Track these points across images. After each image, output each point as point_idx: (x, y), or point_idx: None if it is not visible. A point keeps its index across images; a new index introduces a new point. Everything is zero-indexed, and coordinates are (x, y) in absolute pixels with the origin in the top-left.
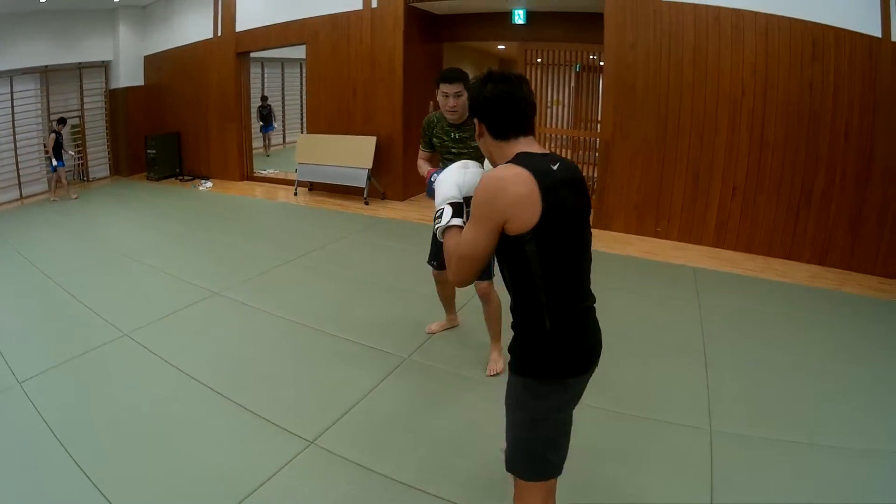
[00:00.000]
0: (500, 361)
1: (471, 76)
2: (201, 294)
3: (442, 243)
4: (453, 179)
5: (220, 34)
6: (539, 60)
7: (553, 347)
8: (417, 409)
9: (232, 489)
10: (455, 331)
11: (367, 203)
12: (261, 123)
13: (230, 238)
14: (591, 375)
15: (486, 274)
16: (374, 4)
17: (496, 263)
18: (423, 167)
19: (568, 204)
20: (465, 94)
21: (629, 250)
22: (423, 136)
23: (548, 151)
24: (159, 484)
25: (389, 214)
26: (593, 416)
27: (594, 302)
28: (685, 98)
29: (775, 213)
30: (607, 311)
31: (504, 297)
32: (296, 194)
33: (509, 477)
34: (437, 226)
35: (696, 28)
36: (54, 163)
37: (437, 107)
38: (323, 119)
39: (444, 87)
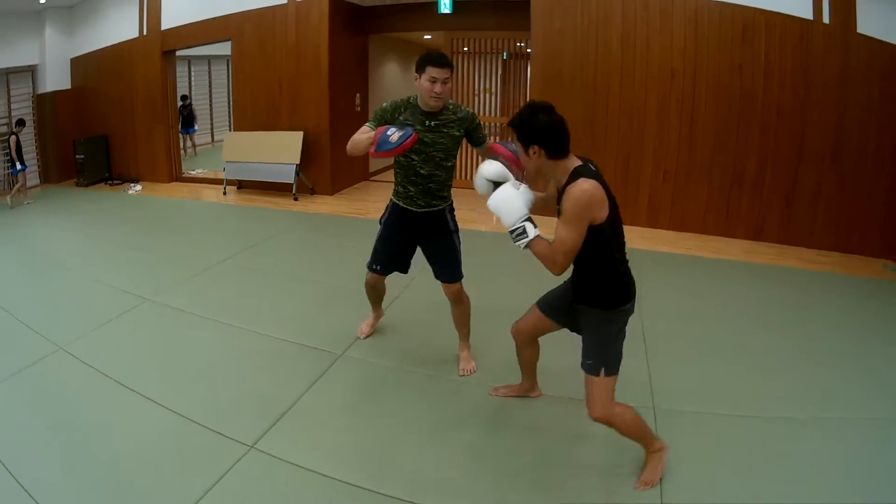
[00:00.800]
0: (472, 360)
1: (396, 67)
2: (134, 301)
3: (394, 251)
4: (521, 200)
5: (145, 33)
6: (466, 49)
7: (625, 282)
8: (355, 407)
9: (178, 499)
10: (387, 327)
11: (296, 199)
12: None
13: (161, 241)
14: (634, 305)
15: (458, 275)
16: None
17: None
18: (355, 137)
19: (611, 194)
20: (450, 83)
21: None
22: (381, 117)
23: (581, 158)
24: (103, 498)
25: (319, 209)
26: (542, 402)
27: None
28: (613, 84)
29: (708, 192)
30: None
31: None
32: (225, 193)
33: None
34: (522, 240)
35: (624, 14)
36: (18, 166)
37: (363, 99)
38: (250, 116)
39: (432, 72)
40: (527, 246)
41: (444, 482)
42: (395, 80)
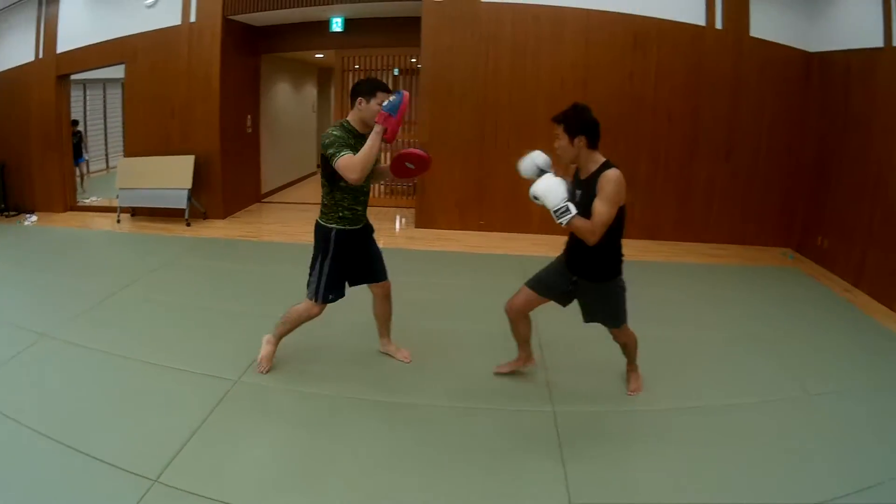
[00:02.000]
0: (402, 348)
1: (287, 87)
2: (30, 338)
3: (351, 274)
4: (563, 186)
5: (41, 56)
6: (357, 67)
7: (621, 257)
8: (255, 432)
9: None
10: (282, 348)
11: (188, 224)
12: None
13: (55, 274)
14: None
15: (384, 274)
16: (193, 19)
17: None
18: (362, 154)
19: None
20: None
21: (453, 246)
22: (346, 143)
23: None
24: None
25: (212, 234)
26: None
27: None
28: (503, 97)
29: None
30: (440, 308)
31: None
32: (119, 221)
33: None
34: (566, 217)
35: (515, 28)
36: None
37: (255, 121)
38: (142, 141)
39: (382, 97)
40: (569, 222)
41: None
42: (286, 100)
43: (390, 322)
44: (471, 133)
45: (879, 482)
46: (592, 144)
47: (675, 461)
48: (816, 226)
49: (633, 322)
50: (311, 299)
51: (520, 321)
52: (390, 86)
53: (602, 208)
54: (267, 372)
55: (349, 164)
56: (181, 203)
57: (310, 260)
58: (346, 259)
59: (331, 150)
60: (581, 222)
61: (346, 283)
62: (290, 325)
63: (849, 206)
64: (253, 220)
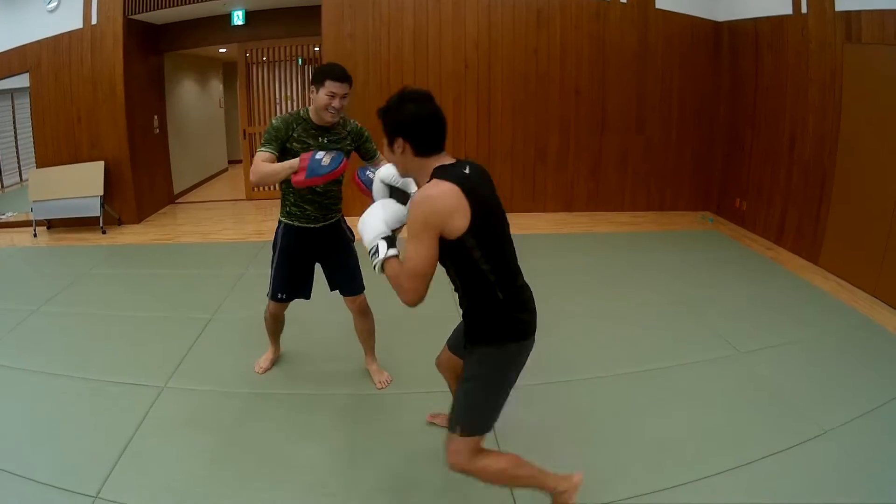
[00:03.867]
0: (384, 371)
1: (193, 84)
2: None
3: (296, 274)
4: (380, 217)
5: None
6: (265, 59)
7: (507, 313)
8: (187, 438)
9: None
10: (207, 349)
11: (104, 232)
12: None
13: None
14: (532, 343)
15: (361, 286)
16: (94, 21)
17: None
18: (268, 167)
19: (489, 201)
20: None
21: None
22: (275, 138)
23: (456, 160)
24: None
25: (128, 240)
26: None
27: (523, 279)
28: (407, 80)
29: (512, 173)
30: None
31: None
32: (35, 235)
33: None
34: (375, 261)
35: (416, 12)
36: None
37: (161, 120)
38: (52, 150)
39: (331, 86)
40: (381, 269)
41: None
42: (193, 97)
43: (372, 339)
44: (374, 120)
45: (822, 431)
46: (422, 152)
47: (621, 426)
48: (734, 189)
49: (560, 294)
50: (266, 296)
51: (450, 378)
52: (298, 77)
53: (408, 251)
54: (262, 372)
55: (255, 164)
56: (95, 211)
57: None
58: (294, 257)
59: (262, 140)
60: (390, 270)
61: (304, 285)
62: (266, 326)
63: (765, 168)
64: (167, 223)
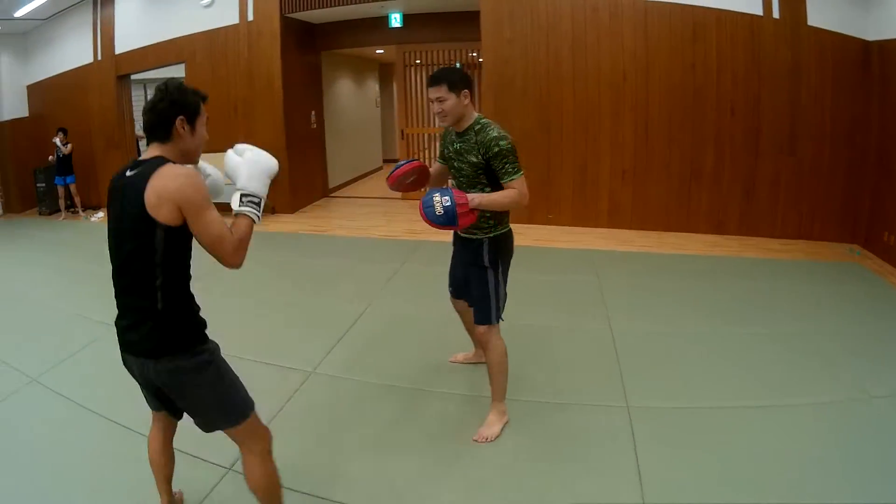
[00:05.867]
0: (493, 424)
1: (350, 83)
2: (103, 329)
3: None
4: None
5: (99, 58)
6: (419, 61)
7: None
8: (325, 423)
9: None
10: (359, 340)
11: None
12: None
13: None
14: (135, 360)
15: (485, 317)
16: (251, 17)
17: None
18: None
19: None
20: (454, 99)
21: (520, 240)
22: (441, 145)
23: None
24: None
25: (281, 228)
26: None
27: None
28: (566, 89)
29: (667, 190)
30: (507, 301)
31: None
32: None
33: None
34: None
35: (574, 20)
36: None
37: (318, 117)
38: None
39: (429, 92)
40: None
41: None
42: (349, 96)
43: (492, 382)
44: (535, 126)
45: None
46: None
47: (732, 460)
48: (882, 221)
49: (693, 318)
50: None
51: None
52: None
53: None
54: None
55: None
56: None
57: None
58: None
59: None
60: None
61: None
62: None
63: None
64: (321, 215)
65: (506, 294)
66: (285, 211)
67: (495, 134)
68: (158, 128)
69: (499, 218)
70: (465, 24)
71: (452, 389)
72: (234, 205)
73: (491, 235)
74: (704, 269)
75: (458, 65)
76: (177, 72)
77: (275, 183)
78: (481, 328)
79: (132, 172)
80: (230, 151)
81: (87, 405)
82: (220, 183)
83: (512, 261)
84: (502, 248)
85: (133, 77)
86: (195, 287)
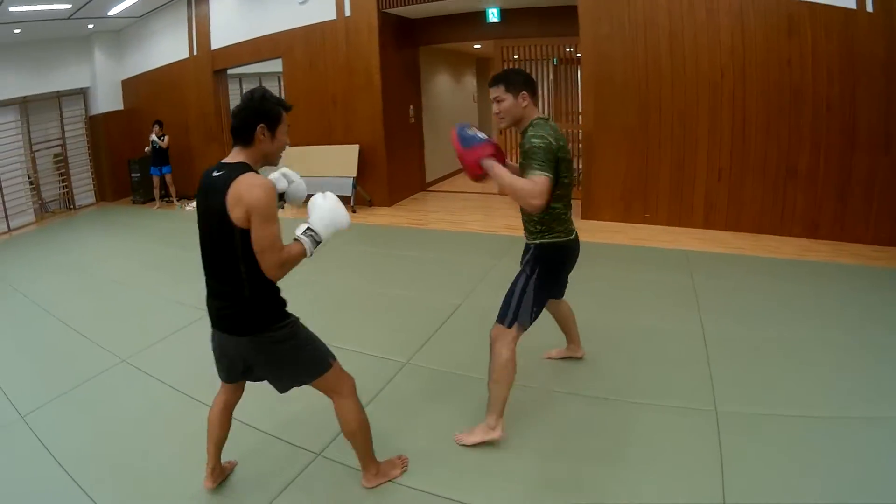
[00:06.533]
0: (477, 432)
1: (448, 78)
2: (195, 314)
3: None
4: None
5: (195, 53)
6: (516, 56)
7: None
8: (418, 412)
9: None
10: (454, 332)
11: (354, 211)
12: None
13: None
14: (228, 337)
15: (501, 314)
16: (348, 13)
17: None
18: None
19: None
20: (510, 100)
21: (617, 238)
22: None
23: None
24: None
25: (378, 221)
26: (584, 403)
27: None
28: (664, 85)
29: (762, 191)
30: (601, 299)
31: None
32: (282, 208)
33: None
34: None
35: (671, 15)
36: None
37: (417, 111)
38: (303, 131)
39: (490, 93)
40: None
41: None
42: (447, 91)
43: (492, 387)
44: (634, 123)
45: None
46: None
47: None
48: None
49: (798, 323)
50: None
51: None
52: (550, 76)
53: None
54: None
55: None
56: (346, 191)
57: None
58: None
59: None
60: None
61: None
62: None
63: None
64: (418, 208)
65: (536, 312)
66: (383, 204)
67: (533, 132)
68: (241, 132)
69: (547, 225)
70: (563, 18)
71: (546, 385)
72: (298, 232)
73: (537, 242)
74: (801, 273)
75: (555, 61)
76: (274, 66)
77: (372, 175)
78: (494, 328)
79: (217, 174)
80: (320, 194)
81: (172, 384)
82: (302, 189)
83: (605, 259)
84: (546, 259)
85: (229, 72)
86: (299, 277)
